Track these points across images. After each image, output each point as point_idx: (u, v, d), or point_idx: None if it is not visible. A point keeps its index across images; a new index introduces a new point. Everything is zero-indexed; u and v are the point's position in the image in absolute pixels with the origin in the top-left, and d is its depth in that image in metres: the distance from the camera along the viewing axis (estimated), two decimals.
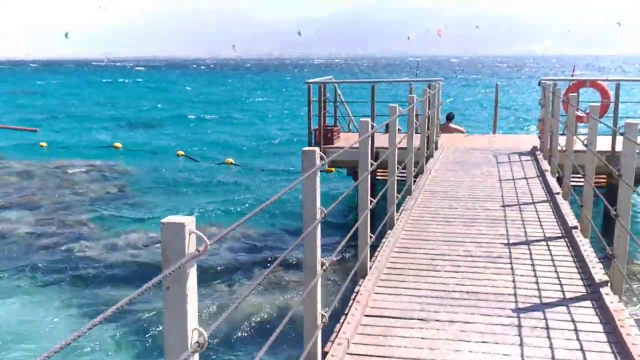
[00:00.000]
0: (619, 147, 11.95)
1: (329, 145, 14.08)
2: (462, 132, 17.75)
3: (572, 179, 9.17)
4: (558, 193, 8.74)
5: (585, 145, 7.28)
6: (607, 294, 5.05)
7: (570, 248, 6.53)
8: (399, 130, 12.47)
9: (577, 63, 38.39)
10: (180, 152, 24.66)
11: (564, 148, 9.27)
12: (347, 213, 14.73)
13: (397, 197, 7.46)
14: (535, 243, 6.71)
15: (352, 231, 4.86)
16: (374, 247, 6.21)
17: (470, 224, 7.49)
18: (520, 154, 12.81)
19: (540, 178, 10.19)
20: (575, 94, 10.68)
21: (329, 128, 14.64)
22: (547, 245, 6.62)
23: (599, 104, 8.77)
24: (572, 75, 20.98)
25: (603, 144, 12.25)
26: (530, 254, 6.33)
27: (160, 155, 24.40)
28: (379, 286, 5.49)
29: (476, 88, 64.67)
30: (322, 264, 3.89)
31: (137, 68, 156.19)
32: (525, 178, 10.30)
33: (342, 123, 17.01)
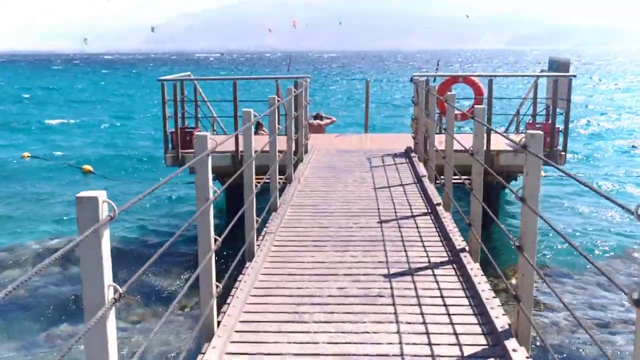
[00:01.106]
0: (493, 146, 11.48)
1: (187, 150, 12.59)
2: (333, 121, 16.81)
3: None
4: (439, 204, 7.83)
5: (472, 154, 6.33)
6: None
7: (460, 276, 5.54)
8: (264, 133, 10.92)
9: (441, 58, 38.93)
10: (26, 154, 21.99)
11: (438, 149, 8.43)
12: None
13: (257, 220, 6.16)
14: (420, 272, 5.67)
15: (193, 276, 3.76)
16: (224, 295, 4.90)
17: (344, 249, 6.34)
18: (395, 155, 11.95)
19: (418, 185, 9.29)
20: (452, 92, 9.87)
21: (188, 131, 13.12)
22: (434, 275, 5.59)
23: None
24: (437, 69, 20.71)
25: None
26: (416, 289, 5.25)
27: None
28: (227, 353, 4.16)
29: (345, 83, 64.63)
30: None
31: None
32: (402, 185, 9.36)
33: (207, 124, 15.53)
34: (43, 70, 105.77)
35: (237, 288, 5.17)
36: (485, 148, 11.42)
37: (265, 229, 6.92)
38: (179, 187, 16.69)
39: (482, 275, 5.37)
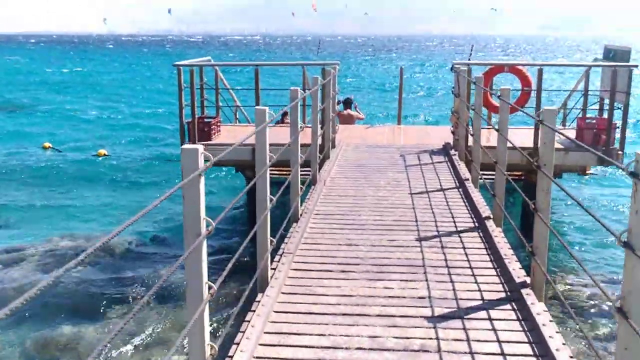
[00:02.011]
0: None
1: (205, 142, 11.59)
2: (361, 118, 15.66)
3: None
4: (488, 217, 6.66)
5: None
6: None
7: (523, 322, 4.40)
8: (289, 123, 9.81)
9: (473, 42, 37.27)
10: (47, 144, 21.28)
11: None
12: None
13: (272, 241, 5.09)
14: (472, 314, 4.54)
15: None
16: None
17: (377, 277, 5.23)
18: (432, 152, 10.77)
19: (461, 191, 8.11)
20: (507, 86, 8.63)
21: (206, 121, 12.12)
22: (490, 320, 4.45)
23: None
24: (471, 55, 19.37)
25: (526, 138, 10.48)
26: (468, 340, 4.13)
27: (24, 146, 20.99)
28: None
29: (377, 69, 62.74)
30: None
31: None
32: (442, 190, 8.20)
33: (229, 113, 14.55)
34: (76, 52, 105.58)
35: (243, 333, 4.12)
36: (532, 145, 10.27)
37: (283, 247, 5.85)
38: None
39: (553, 327, 4.21)
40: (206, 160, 3.14)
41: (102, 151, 19.77)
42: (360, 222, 6.78)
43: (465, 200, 7.61)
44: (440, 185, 8.39)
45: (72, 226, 12.47)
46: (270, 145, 5.06)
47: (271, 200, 5.08)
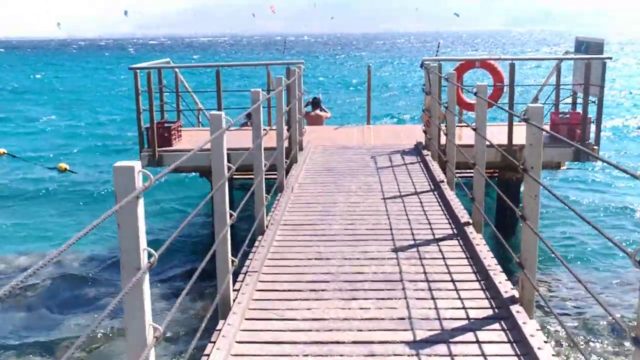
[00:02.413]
0: (517, 139, 9.91)
1: (165, 148, 11.06)
2: (328, 117, 15.21)
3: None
4: (468, 224, 6.22)
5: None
6: None
7: (518, 350, 3.95)
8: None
9: (439, 39, 37.02)
10: (1, 150, 20.34)
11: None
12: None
13: (234, 261, 4.57)
14: (457, 334, 4.08)
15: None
16: None
17: (350, 295, 4.74)
18: (403, 152, 10.34)
19: (436, 194, 7.68)
20: (482, 82, 8.23)
21: (166, 126, 11.55)
22: (479, 343, 3.99)
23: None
24: (437, 52, 19.07)
25: (498, 135, 10.12)
26: None
27: None
28: None
29: (345, 67, 62.19)
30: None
31: None
32: (417, 193, 7.75)
33: (192, 117, 13.97)
34: (37, 57, 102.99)
35: None
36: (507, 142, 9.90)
37: (247, 264, 5.33)
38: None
39: (549, 350, 3.77)
40: (145, 179, 2.65)
41: (63, 165, 18.83)
42: (331, 232, 6.29)
43: (442, 205, 7.17)
44: (415, 189, 7.94)
45: (29, 246, 11.70)
46: (233, 150, 4.58)
47: (231, 215, 4.57)
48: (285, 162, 8.42)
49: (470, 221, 6.24)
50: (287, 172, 8.69)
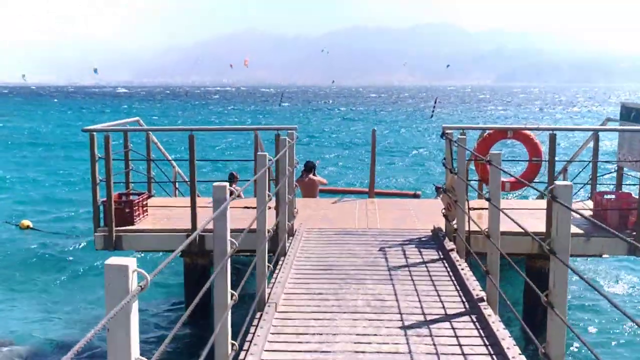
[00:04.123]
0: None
1: (125, 228, 9.08)
2: (324, 183, 13.25)
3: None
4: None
5: (551, 252, 4.14)
6: None
7: None
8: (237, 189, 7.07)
9: (433, 94, 35.46)
10: None
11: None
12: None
13: None
14: None
15: None
16: None
17: None
18: (419, 243, 8.26)
19: (474, 319, 5.54)
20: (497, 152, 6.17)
21: (126, 200, 9.55)
22: None
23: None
24: (434, 107, 17.34)
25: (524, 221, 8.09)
26: None
27: None
28: None
29: (342, 126, 58.47)
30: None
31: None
32: (448, 318, 5.62)
33: (168, 186, 12.08)
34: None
35: None
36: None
37: None
38: None
39: None
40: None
41: (26, 222, 16.71)
42: None
43: (484, 337, 5.04)
44: (444, 309, 5.80)
45: None
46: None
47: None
48: (270, 255, 6.31)
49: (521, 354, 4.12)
50: (272, 274, 6.58)
